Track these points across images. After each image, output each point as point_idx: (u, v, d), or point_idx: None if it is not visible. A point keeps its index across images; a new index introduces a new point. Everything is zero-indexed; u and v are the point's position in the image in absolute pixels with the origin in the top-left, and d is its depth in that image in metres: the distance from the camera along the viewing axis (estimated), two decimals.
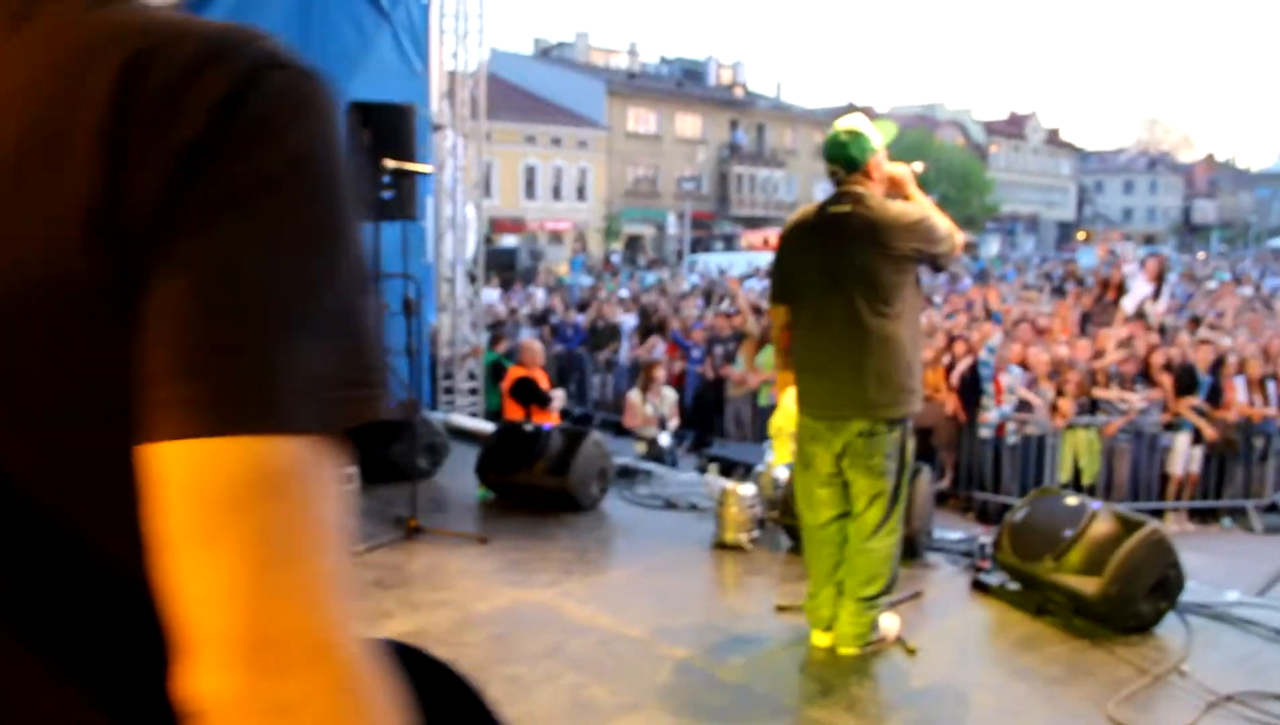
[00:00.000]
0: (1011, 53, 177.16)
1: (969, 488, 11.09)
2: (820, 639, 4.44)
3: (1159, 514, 10.86)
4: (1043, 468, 10.63)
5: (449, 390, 10.48)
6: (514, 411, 9.43)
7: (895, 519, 4.27)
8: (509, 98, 51.26)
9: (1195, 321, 14.98)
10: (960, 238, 4.33)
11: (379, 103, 7.81)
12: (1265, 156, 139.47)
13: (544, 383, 9.63)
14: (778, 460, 5.46)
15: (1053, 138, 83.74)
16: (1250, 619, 4.88)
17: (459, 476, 7.50)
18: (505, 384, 9.62)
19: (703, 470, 8.69)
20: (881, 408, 4.11)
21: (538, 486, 6.63)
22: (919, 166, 4.58)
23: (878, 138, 4.25)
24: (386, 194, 7.22)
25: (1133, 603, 4.55)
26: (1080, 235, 71.30)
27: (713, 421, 13.49)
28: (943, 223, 4.22)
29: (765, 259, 35.76)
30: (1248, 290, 25.06)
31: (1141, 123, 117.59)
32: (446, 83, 10.55)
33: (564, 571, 5.51)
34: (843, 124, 4.27)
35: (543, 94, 53.16)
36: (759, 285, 26.62)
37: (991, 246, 65.58)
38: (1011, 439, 10.76)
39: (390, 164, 6.39)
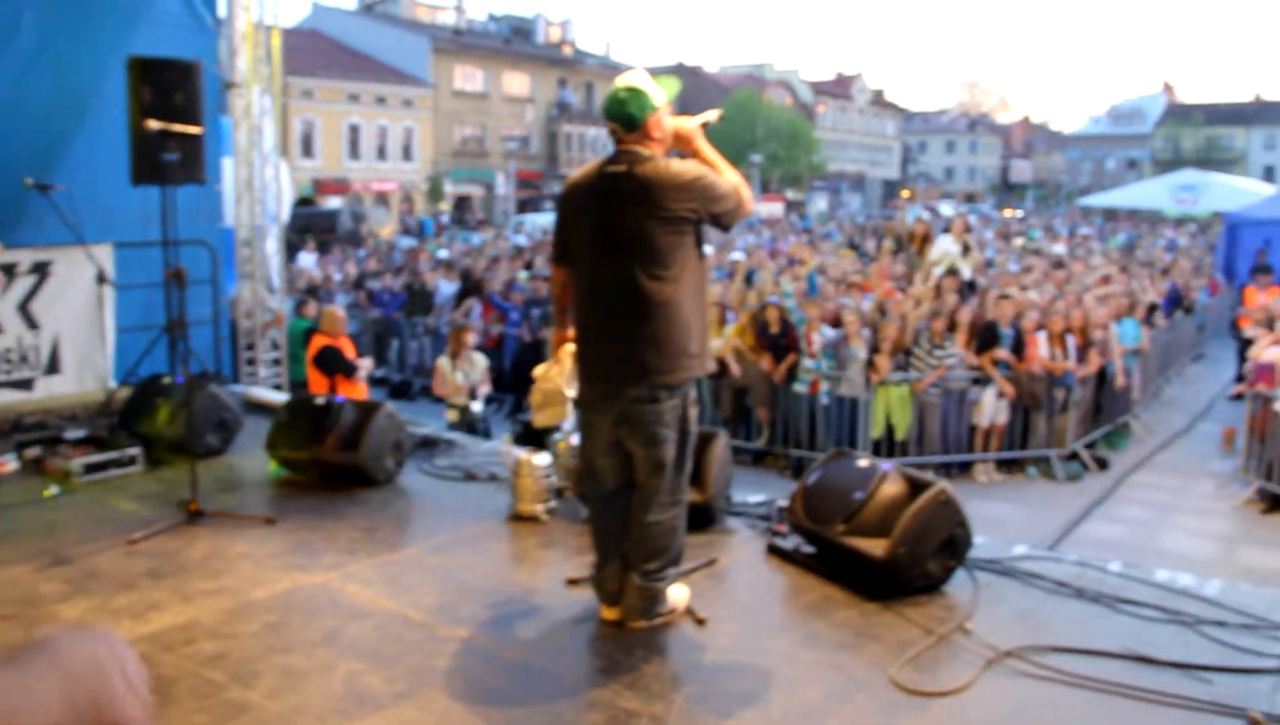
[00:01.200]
0: (838, 14, 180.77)
1: (786, 445, 11.21)
2: (609, 613, 4.31)
3: (968, 466, 11.21)
4: (856, 424, 10.80)
5: (251, 361, 10.02)
6: (318, 382, 9.07)
7: (679, 490, 4.16)
8: (331, 55, 49.76)
9: (1010, 277, 15.48)
10: (749, 193, 4.18)
11: (160, 59, 7.29)
12: (1076, 120, 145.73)
13: (350, 351, 9.28)
14: (539, 417, 5.25)
15: (878, 99, 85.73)
16: (1036, 572, 4.95)
17: (253, 453, 7.15)
18: (309, 353, 9.24)
19: (516, 438, 8.52)
20: (658, 374, 3.96)
21: (329, 462, 6.34)
22: (713, 115, 4.41)
23: (659, 95, 4.08)
24: (170, 156, 6.76)
25: (921, 563, 4.55)
26: (904, 193, 73.31)
27: (530, 386, 13.31)
28: (726, 180, 4.08)
29: None
30: (1061, 248, 26.05)
31: (962, 85, 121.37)
32: (244, 37, 9.96)
33: (350, 552, 5.25)
34: (622, 80, 4.09)
35: (366, 51, 51.79)
36: None
37: (819, 204, 66.96)
38: (824, 399, 10.89)
39: (153, 124, 5.91)
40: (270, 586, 4.81)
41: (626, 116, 4.00)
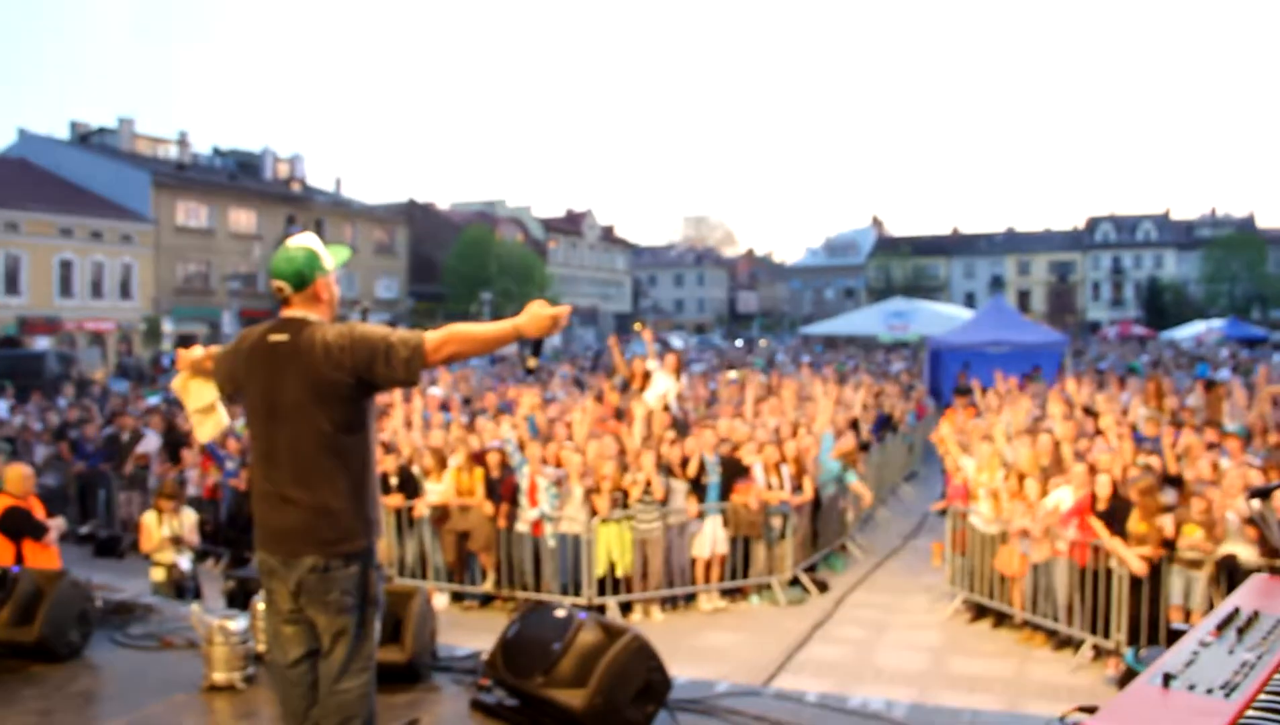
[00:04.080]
0: (567, 153, 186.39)
1: (512, 587, 11.14)
2: None
3: (693, 597, 11.41)
4: (580, 563, 10.85)
5: None
6: (3, 547, 8.40)
7: (366, 655, 4.06)
8: (41, 186, 47.44)
9: (727, 408, 16.03)
10: (435, 338, 3.91)
11: None
12: (796, 251, 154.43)
13: (39, 511, 8.66)
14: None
15: (608, 234, 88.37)
16: (736, 709, 5.08)
17: None
18: None
19: (229, 594, 8.12)
20: (332, 544, 3.91)
21: (2, 641, 5.85)
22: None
23: (330, 259, 4.10)
24: None
25: (619, 710, 4.59)
26: (636, 326, 75.34)
27: (250, 537, 12.76)
28: (392, 336, 3.91)
29: None
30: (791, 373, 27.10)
31: (688, 221, 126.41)
32: None
33: None
34: (294, 241, 4.11)
35: (81, 183, 49.54)
36: None
37: (553, 339, 67.89)
38: (551, 541, 10.93)
39: None
40: None
41: (296, 274, 3.99)
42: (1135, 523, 9.40)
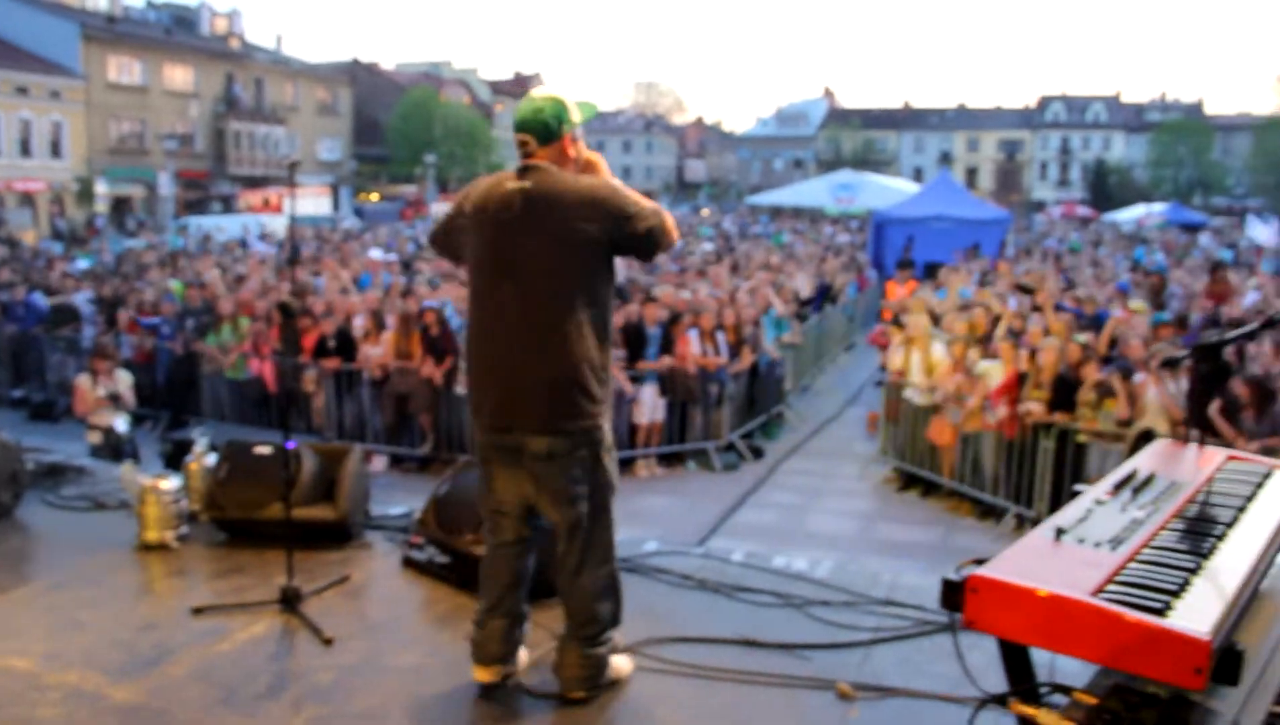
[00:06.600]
0: (516, 13, 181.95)
1: (451, 450, 11.25)
2: (482, 674, 3.95)
3: (630, 462, 11.59)
4: None
5: None
6: None
7: (600, 546, 3.76)
8: None
9: (669, 276, 16.10)
10: (672, 221, 3.66)
11: None
12: (746, 121, 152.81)
13: None
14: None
15: None
16: (662, 567, 5.22)
17: None
18: None
19: (166, 457, 8.15)
20: (562, 421, 3.54)
21: None
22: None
23: (577, 115, 3.69)
24: None
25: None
26: None
27: (188, 400, 12.71)
28: (644, 202, 3.62)
29: (266, 221, 34.23)
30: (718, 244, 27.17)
31: (638, 86, 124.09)
32: None
33: None
34: (541, 91, 3.70)
35: (4, 35, 47.54)
36: (266, 250, 25.58)
37: None
38: None
39: None
40: None
41: (542, 125, 3.59)
42: (1028, 390, 9.78)
